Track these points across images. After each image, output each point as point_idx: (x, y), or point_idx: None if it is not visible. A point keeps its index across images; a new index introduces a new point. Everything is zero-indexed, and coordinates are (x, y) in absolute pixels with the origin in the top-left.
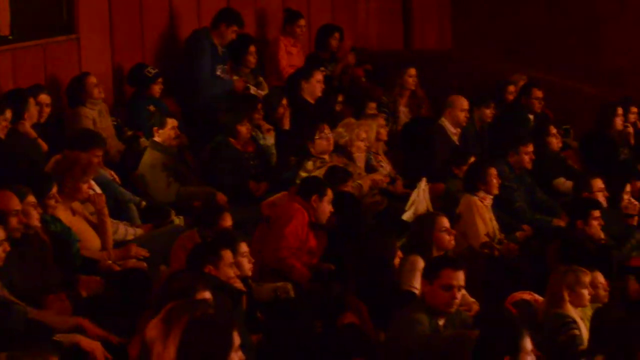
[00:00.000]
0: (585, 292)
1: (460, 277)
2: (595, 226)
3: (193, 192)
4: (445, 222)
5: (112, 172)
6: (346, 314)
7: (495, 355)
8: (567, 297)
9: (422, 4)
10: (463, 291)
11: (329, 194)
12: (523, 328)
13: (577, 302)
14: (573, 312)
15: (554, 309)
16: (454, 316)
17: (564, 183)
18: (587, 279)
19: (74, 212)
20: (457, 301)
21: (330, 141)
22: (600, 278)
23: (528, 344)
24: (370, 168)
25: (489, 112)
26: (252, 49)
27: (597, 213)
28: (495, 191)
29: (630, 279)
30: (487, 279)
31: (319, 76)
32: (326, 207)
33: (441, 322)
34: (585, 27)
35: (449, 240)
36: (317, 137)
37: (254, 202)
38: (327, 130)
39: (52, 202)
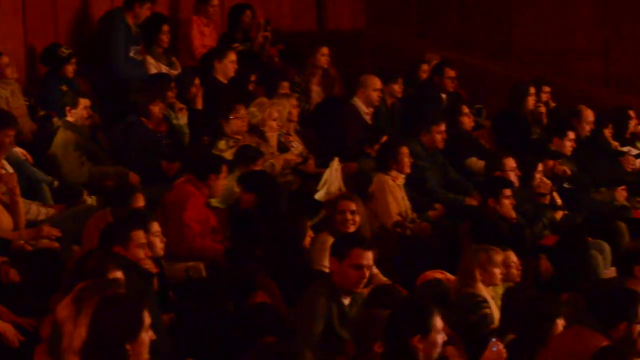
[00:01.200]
0: (497, 271)
1: (369, 256)
2: (507, 205)
3: (105, 172)
4: (350, 204)
5: (25, 152)
6: (257, 293)
7: (405, 334)
8: (478, 276)
9: None
10: (376, 270)
11: (224, 170)
12: (433, 307)
13: (489, 281)
14: (484, 291)
15: (465, 288)
16: (358, 295)
17: (476, 162)
18: (499, 257)
19: None
20: (365, 280)
21: (244, 121)
22: (513, 257)
23: (438, 322)
24: (282, 147)
25: (397, 87)
26: (165, 28)
27: (508, 192)
28: (408, 170)
29: (542, 257)
30: (399, 257)
31: (232, 56)
32: (221, 185)
33: (346, 301)
34: (497, 7)
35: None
36: (231, 116)
37: (166, 182)
38: (242, 111)
39: None
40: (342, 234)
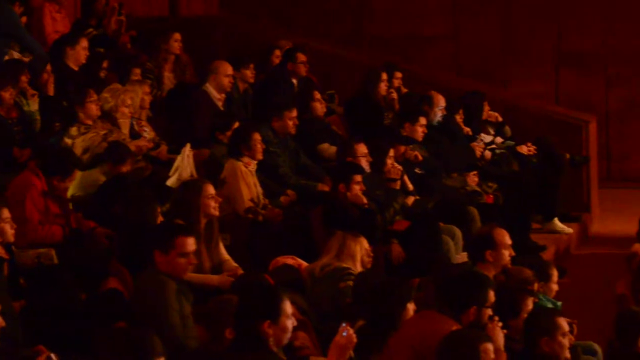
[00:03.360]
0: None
1: (193, 242)
2: (357, 190)
3: None
4: (211, 188)
5: None
6: (109, 280)
7: (255, 320)
8: (345, 257)
9: None
10: (227, 256)
11: (74, 175)
12: (282, 292)
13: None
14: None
15: (335, 263)
16: (184, 283)
17: (328, 148)
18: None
19: None
20: (192, 267)
21: (97, 107)
22: (365, 243)
23: (288, 307)
24: (134, 134)
25: (249, 73)
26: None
27: (359, 178)
28: (260, 156)
29: (393, 243)
30: (251, 244)
31: (84, 43)
32: (67, 185)
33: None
34: None
35: (214, 207)
36: (85, 102)
37: (17, 168)
38: (94, 96)
39: None
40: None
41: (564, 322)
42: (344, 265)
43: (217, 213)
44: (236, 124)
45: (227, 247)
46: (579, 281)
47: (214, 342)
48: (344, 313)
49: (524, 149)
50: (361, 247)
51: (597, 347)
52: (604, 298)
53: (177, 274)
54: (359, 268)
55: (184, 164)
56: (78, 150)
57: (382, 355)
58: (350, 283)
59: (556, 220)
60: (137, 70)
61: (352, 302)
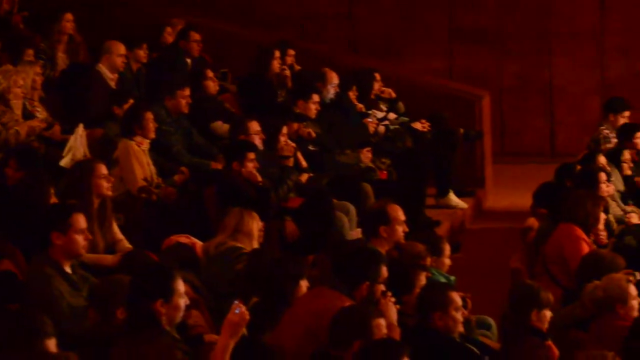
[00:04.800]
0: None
1: (84, 218)
2: (251, 168)
3: None
4: (104, 168)
5: None
6: (2, 262)
7: (147, 299)
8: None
9: None
10: (120, 236)
11: None
12: (174, 271)
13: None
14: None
15: (230, 242)
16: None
17: (221, 126)
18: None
19: None
20: (86, 243)
21: None
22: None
23: (180, 286)
24: (27, 115)
25: (141, 52)
26: None
27: (252, 155)
28: (153, 135)
29: (287, 220)
30: (145, 223)
31: None
32: None
33: (69, 269)
34: None
35: (107, 187)
36: None
37: None
38: None
39: None
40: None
41: (456, 297)
42: (238, 244)
43: (110, 193)
44: (131, 102)
45: (121, 227)
46: (473, 255)
47: (106, 322)
48: (239, 293)
49: (418, 125)
50: (257, 224)
51: (491, 320)
52: (499, 272)
53: (76, 252)
54: (255, 245)
55: (77, 144)
56: None
57: (275, 333)
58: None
59: (451, 195)
60: (30, 51)
61: (246, 279)
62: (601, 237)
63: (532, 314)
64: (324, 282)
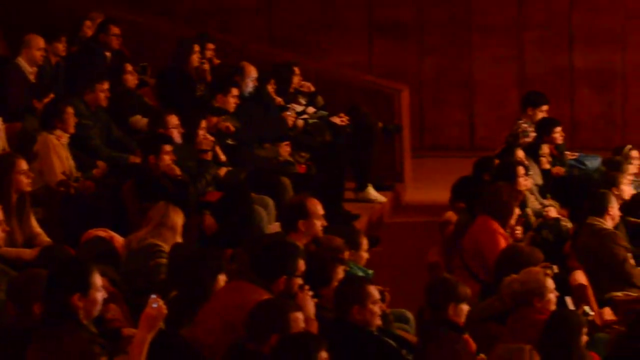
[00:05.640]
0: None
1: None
2: (168, 161)
3: None
4: (24, 164)
5: None
6: None
7: (64, 293)
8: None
9: None
10: (39, 229)
11: None
12: (92, 264)
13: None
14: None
15: (151, 239)
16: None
17: (140, 120)
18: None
19: None
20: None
21: None
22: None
23: (98, 280)
24: None
25: (61, 46)
26: None
27: (167, 147)
28: (72, 129)
29: (206, 214)
30: (64, 217)
31: None
32: None
33: None
34: None
35: (27, 183)
36: None
37: None
38: None
39: None
40: None
41: (374, 290)
42: (158, 241)
43: (29, 188)
44: (51, 96)
45: (39, 221)
46: (392, 249)
47: (23, 317)
48: (158, 289)
49: (336, 119)
50: (181, 219)
51: (409, 314)
52: (417, 266)
53: None
54: (178, 240)
55: None
56: None
57: (192, 327)
58: (163, 260)
59: (369, 189)
60: None
61: (167, 275)
62: (516, 233)
63: (449, 308)
64: (242, 276)
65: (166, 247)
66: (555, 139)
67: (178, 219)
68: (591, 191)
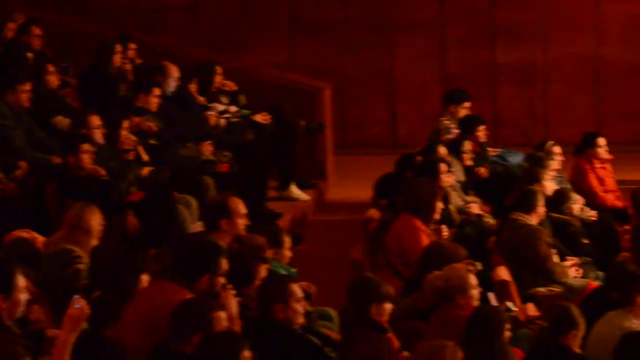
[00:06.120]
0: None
1: None
2: (87, 160)
3: None
4: None
5: None
6: None
7: None
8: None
9: None
10: None
11: None
12: (14, 265)
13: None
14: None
15: (66, 244)
16: None
17: (62, 121)
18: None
19: None
20: None
21: None
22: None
23: (21, 281)
24: None
25: None
26: None
27: (86, 147)
28: None
29: (128, 213)
30: None
31: None
32: None
33: None
34: None
35: None
36: None
37: None
38: None
39: None
40: None
41: (297, 289)
42: (72, 247)
43: None
44: None
45: None
46: (315, 247)
47: None
48: (79, 291)
49: (259, 118)
50: (98, 219)
51: (333, 312)
52: (341, 264)
53: None
54: (94, 242)
55: None
56: None
57: (116, 327)
58: (81, 266)
59: (292, 188)
60: None
61: (89, 276)
62: (443, 234)
63: (372, 308)
64: (165, 275)
65: (81, 252)
66: (479, 137)
67: (94, 221)
68: (519, 187)
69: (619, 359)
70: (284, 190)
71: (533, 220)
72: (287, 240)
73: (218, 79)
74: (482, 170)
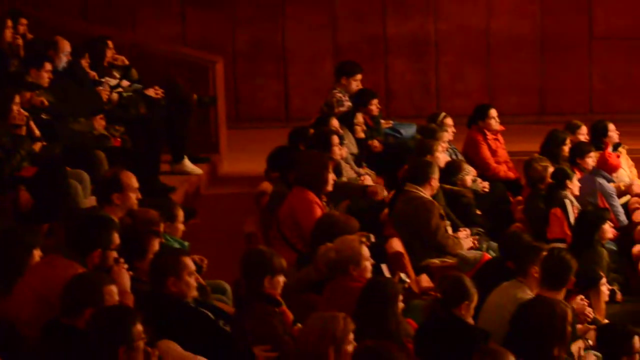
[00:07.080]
0: None
1: None
2: None
3: None
4: None
5: None
6: None
7: None
8: None
9: None
10: None
11: None
12: None
13: None
14: None
15: None
16: None
17: None
18: None
19: None
20: None
21: None
22: None
23: None
24: None
25: None
26: None
27: None
28: None
29: (21, 189)
30: None
31: None
32: None
33: None
34: None
35: None
36: None
37: None
38: None
39: None
40: None
41: (190, 262)
42: None
43: None
44: None
45: None
46: (209, 221)
47: None
48: None
49: (151, 92)
50: None
51: (226, 285)
52: (234, 237)
53: None
54: None
55: None
56: None
57: (7, 302)
58: None
59: (185, 161)
60: None
61: None
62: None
63: (265, 281)
64: (57, 250)
65: None
66: (372, 110)
67: None
68: (411, 159)
69: (515, 330)
70: (177, 164)
71: (427, 192)
72: (180, 214)
73: (110, 54)
74: (375, 143)
